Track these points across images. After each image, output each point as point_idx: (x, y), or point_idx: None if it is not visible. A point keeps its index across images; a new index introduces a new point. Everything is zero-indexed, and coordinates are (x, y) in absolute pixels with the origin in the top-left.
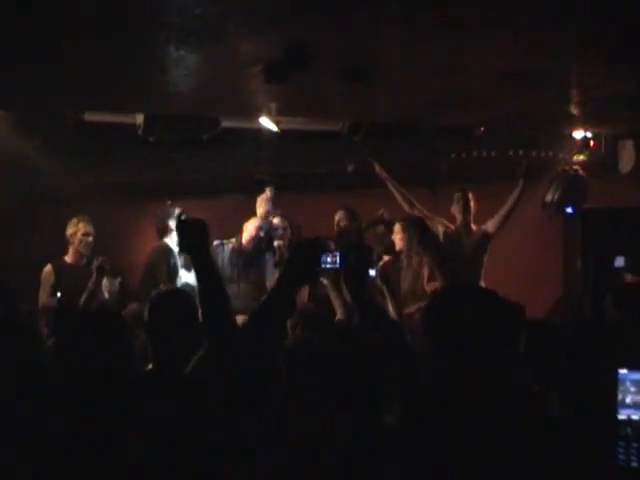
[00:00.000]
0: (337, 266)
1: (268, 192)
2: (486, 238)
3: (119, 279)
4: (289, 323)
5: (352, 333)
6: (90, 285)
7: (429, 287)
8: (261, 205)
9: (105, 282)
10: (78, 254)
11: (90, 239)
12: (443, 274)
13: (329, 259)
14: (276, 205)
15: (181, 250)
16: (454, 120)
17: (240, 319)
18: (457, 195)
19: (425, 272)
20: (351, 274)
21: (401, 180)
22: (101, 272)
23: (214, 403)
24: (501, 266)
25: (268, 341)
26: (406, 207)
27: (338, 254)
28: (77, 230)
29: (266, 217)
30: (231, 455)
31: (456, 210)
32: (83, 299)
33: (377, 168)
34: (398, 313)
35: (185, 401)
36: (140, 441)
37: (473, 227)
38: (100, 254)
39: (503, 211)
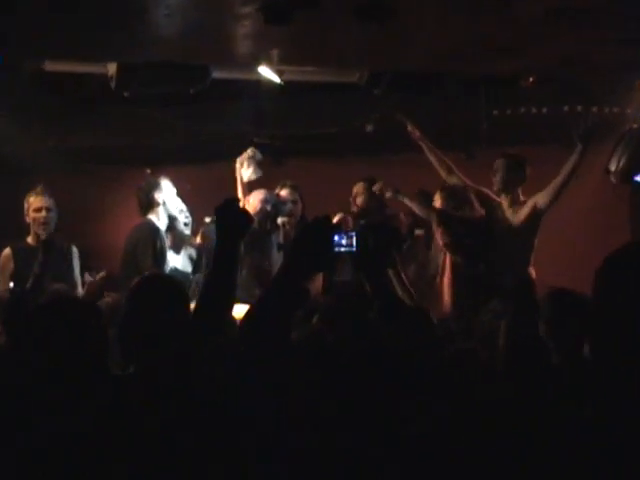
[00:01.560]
0: (353, 249)
1: (250, 152)
2: (536, 214)
3: (102, 274)
4: (300, 315)
5: (369, 329)
6: (35, 268)
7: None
8: (244, 166)
9: (87, 277)
10: (35, 234)
11: (44, 215)
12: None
13: (344, 241)
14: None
15: (220, 236)
16: (496, 68)
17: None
18: (499, 163)
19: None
20: (368, 259)
21: (431, 141)
22: (47, 249)
23: (205, 408)
24: (555, 247)
25: (270, 338)
26: (443, 174)
27: (354, 235)
28: (29, 206)
29: (249, 179)
30: (229, 460)
31: (497, 182)
32: (28, 286)
33: (409, 127)
34: (410, 299)
35: (170, 407)
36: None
37: (522, 198)
38: (66, 235)
39: (557, 182)
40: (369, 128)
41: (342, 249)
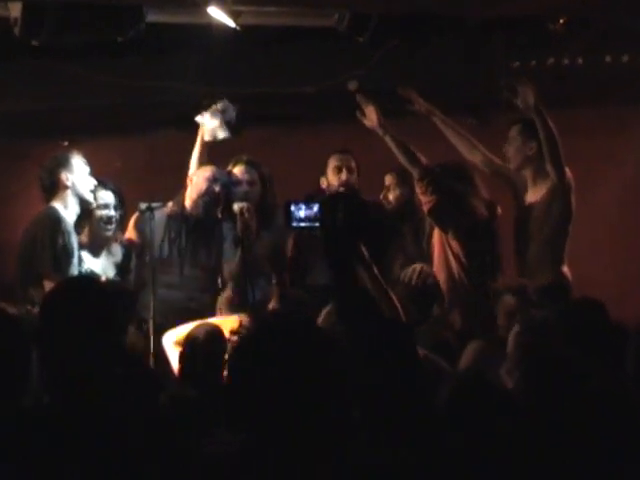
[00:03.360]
0: (316, 224)
1: (219, 105)
2: (557, 193)
3: None
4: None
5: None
6: None
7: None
8: (205, 119)
9: None
10: None
11: None
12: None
13: (303, 213)
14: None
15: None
16: (517, 8)
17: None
18: (514, 130)
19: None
20: (336, 237)
21: (432, 104)
22: None
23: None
24: (596, 235)
25: None
26: (465, 152)
27: (317, 206)
28: None
29: (211, 138)
30: None
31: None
32: None
33: (414, 101)
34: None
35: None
36: None
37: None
38: None
39: (547, 159)
40: (352, 86)
41: (302, 224)
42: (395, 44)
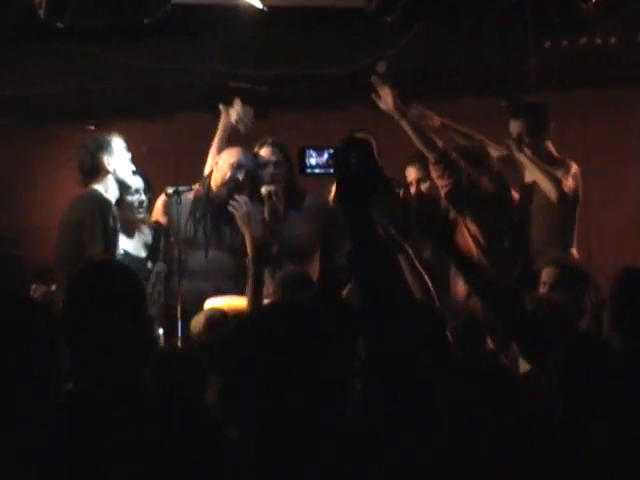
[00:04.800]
0: (330, 171)
1: (237, 104)
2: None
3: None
4: None
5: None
6: None
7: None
8: (231, 106)
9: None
10: None
11: None
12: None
13: (315, 159)
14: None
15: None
16: None
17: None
18: (516, 124)
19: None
20: (351, 186)
21: (462, 86)
22: None
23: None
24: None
25: None
26: None
27: (330, 152)
28: None
29: (237, 122)
30: None
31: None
32: None
33: (427, 117)
34: (423, 289)
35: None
36: None
37: (555, 155)
38: None
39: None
40: (381, 68)
41: (316, 171)
42: (424, 24)
